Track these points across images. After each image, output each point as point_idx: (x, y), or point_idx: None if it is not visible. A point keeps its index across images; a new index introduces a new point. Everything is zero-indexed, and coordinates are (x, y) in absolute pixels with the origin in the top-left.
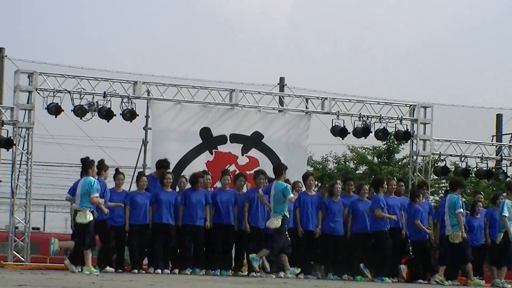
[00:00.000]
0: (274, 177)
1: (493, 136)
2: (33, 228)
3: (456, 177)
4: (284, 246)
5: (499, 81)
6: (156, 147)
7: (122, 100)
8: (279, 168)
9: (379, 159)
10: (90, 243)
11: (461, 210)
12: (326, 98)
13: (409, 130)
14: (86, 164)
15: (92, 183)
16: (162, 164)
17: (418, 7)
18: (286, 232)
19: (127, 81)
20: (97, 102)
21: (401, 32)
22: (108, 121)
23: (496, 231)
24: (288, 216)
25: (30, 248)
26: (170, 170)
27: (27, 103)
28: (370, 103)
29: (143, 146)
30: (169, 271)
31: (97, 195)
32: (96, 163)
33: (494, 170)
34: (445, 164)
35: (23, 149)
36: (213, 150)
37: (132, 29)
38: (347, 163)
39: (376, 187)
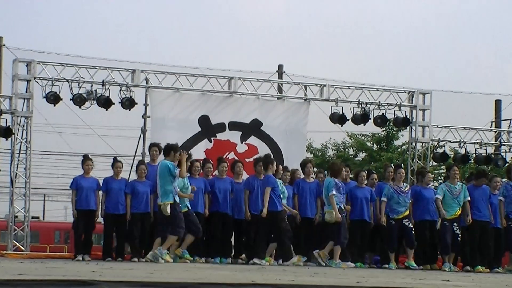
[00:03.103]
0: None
1: (492, 122)
2: (32, 217)
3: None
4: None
5: (498, 67)
6: (155, 135)
7: (121, 88)
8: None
9: (378, 146)
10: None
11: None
12: (325, 85)
13: (408, 116)
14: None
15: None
16: (153, 144)
17: None
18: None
19: (126, 69)
20: (95, 90)
21: (400, 18)
22: (106, 110)
23: (497, 216)
24: (343, 208)
25: (30, 237)
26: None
27: (26, 92)
28: (369, 90)
29: (142, 134)
30: None
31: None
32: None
33: (493, 156)
34: (444, 150)
35: (22, 138)
36: (212, 138)
37: (130, 17)
38: (346, 150)
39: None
